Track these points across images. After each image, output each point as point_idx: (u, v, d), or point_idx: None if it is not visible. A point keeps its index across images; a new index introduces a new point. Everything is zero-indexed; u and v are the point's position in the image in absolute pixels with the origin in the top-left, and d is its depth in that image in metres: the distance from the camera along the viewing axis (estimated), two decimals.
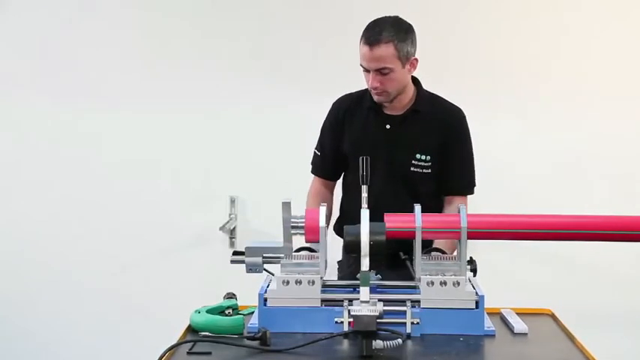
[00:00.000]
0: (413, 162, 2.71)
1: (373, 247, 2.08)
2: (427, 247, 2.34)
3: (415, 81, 2.77)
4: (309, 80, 3.75)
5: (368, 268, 2.05)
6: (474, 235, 2.19)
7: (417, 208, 2.20)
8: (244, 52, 3.81)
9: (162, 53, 3.83)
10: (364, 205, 2.13)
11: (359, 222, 2.10)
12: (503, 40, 3.77)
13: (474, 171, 2.83)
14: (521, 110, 3.78)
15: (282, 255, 2.24)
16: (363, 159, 2.19)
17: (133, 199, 3.87)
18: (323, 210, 2.20)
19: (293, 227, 2.21)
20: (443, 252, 2.35)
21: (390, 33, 2.59)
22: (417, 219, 2.18)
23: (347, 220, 2.54)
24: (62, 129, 3.87)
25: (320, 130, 2.89)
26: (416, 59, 2.68)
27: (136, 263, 3.89)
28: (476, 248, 2.31)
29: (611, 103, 3.75)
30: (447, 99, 2.82)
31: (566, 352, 2.09)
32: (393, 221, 2.20)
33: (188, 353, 2.00)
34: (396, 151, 2.72)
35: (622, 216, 2.23)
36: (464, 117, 2.79)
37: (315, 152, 2.90)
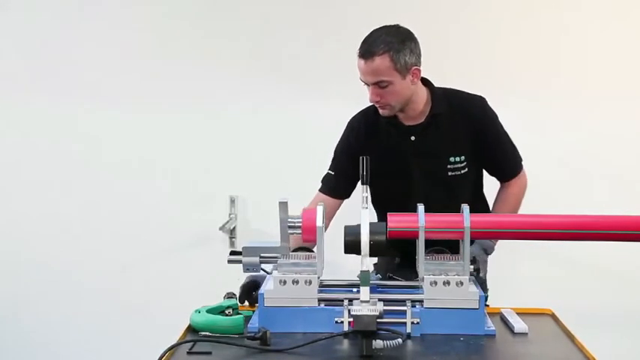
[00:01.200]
0: (449, 167, 2.62)
1: (373, 246, 2.08)
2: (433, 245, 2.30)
3: (426, 82, 2.67)
4: (309, 80, 3.75)
5: (368, 268, 2.05)
6: (476, 234, 2.18)
7: (420, 207, 2.20)
8: (244, 52, 3.81)
9: (162, 53, 3.83)
10: (364, 205, 2.13)
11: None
12: (503, 39, 3.77)
13: (515, 147, 2.76)
14: (521, 110, 3.77)
15: (279, 255, 2.24)
16: (363, 159, 2.19)
17: (132, 198, 3.86)
18: (320, 210, 2.19)
19: (290, 227, 2.21)
20: (444, 251, 2.34)
21: (384, 44, 2.48)
22: (420, 219, 2.18)
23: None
24: (62, 129, 3.87)
25: (334, 150, 2.76)
26: (418, 69, 2.56)
27: (136, 263, 3.89)
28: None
29: (611, 103, 3.74)
30: (461, 89, 2.72)
31: (567, 352, 2.08)
32: (396, 221, 2.21)
33: (188, 353, 2.00)
34: (428, 161, 2.62)
35: (622, 216, 2.23)
36: (485, 102, 2.69)
37: (328, 173, 2.75)
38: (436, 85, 2.73)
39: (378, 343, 1.94)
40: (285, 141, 3.78)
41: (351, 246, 2.13)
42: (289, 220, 2.21)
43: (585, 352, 2.05)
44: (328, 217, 2.68)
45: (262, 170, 3.80)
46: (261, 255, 2.27)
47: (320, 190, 2.77)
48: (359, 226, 2.09)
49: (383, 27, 2.56)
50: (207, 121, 3.85)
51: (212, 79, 3.82)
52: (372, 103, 2.62)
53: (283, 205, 2.20)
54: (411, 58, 2.52)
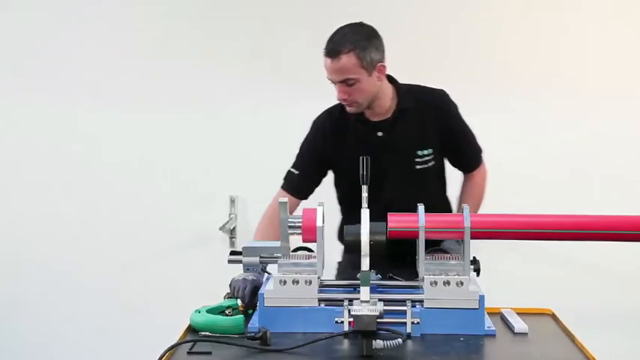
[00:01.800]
0: (416, 160, 2.67)
1: (373, 246, 2.08)
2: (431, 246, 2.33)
3: (391, 79, 2.70)
4: (309, 80, 3.72)
5: (368, 268, 2.05)
6: (477, 234, 2.18)
7: (421, 208, 2.20)
8: (244, 52, 3.81)
9: (162, 53, 3.83)
10: (364, 204, 2.13)
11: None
12: (503, 39, 3.77)
13: (476, 138, 2.81)
14: (521, 110, 3.78)
15: (279, 255, 2.24)
16: (363, 159, 2.19)
17: (132, 198, 3.87)
18: (320, 210, 2.19)
19: (290, 227, 2.21)
20: (445, 252, 2.35)
21: (350, 42, 2.51)
22: (421, 219, 2.18)
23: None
24: (62, 129, 3.88)
25: (299, 149, 2.79)
26: (384, 65, 2.59)
27: (136, 263, 3.89)
28: (476, 248, 2.30)
29: (611, 103, 3.75)
30: (423, 85, 2.76)
31: (567, 352, 2.08)
32: (396, 221, 2.21)
33: (188, 353, 2.00)
34: (396, 156, 2.66)
35: (622, 216, 2.23)
36: (448, 95, 2.74)
37: (292, 172, 2.78)
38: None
39: (378, 343, 1.94)
40: (285, 141, 3.76)
41: (352, 246, 2.13)
42: (289, 220, 2.21)
43: (585, 352, 2.05)
44: None
45: (262, 170, 3.78)
46: (261, 255, 2.27)
47: (282, 188, 2.79)
48: (359, 226, 2.09)
49: (347, 25, 2.59)
50: (207, 121, 3.85)
51: (212, 79, 3.82)
52: (338, 102, 2.65)
53: (283, 205, 2.21)
54: (377, 54, 2.56)
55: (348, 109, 2.63)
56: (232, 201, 3.88)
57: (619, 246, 2.29)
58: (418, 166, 2.67)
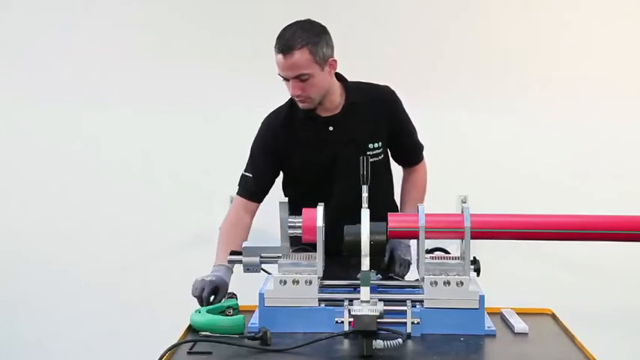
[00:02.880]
0: (368, 153, 2.66)
1: (373, 247, 2.08)
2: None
3: (338, 76, 2.72)
4: None
5: (368, 268, 2.05)
6: (477, 235, 2.19)
7: (421, 207, 2.20)
8: (244, 52, 3.81)
9: (162, 53, 3.83)
10: (364, 204, 2.13)
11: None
12: (502, 39, 3.77)
13: (417, 135, 2.84)
14: (521, 110, 3.78)
15: (279, 255, 2.24)
16: (363, 159, 2.19)
17: (132, 198, 3.86)
18: (320, 210, 2.20)
19: (290, 227, 2.21)
20: (446, 252, 2.35)
21: (301, 38, 2.54)
22: (421, 219, 2.18)
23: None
24: (62, 129, 3.87)
25: (250, 151, 2.79)
26: (334, 60, 2.62)
27: (136, 263, 3.89)
28: (476, 248, 2.30)
29: (611, 103, 3.75)
30: (368, 82, 2.78)
31: (567, 352, 2.09)
32: (396, 221, 2.21)
33: (188, 353, 2.01)
34: (348, 150, 2.65)
35: (622, 216, 2.23)
36: (394, 91, 2.77)
37: (245, 176, 2.78)
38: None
39: (378, 343, 1.94)
40: None
41: (351, 246, 2.13)
42: (289, 220, 2.21)
43: (585, 352, 2.05)
44: (246, 226, 2.77)
45: None
46: (261, 255, 2.27)
47: (238, 194, 2.79)
48: (359, 226, 2.09)
49: (296, 22, 2.63)
50: (207, 122, 3.85)
51: (212, 79, 3.82)
52: (290, 98, 2.69)
53: (283, 205, 2.21)
54: (328, 50, 2.60)
55: (301, 105, 2.64)
56: (232, 201, 3.86)
57: (619, 246, 2.30)
58: (370, 159, 2.67)
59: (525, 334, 2.19)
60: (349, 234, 2.15)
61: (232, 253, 2.33)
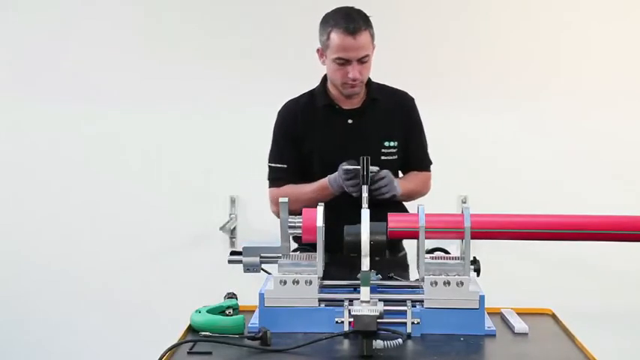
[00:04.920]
0: (382, 150, 2.66)
1: (373, 247, 2.08)
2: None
3: None
4: (310, 80, 3.74)
5: (368, 268, 2.05)
6: (477, 235, 2.19)
7: (421, 208, 2.20)
8: (245, 52, 3.81)
9: (162, 53, 3.83)
10: (364, 205, 2.13)
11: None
12: (502, 39, 3.77)
13: (427, 149, 2.83)
14: (521, 110, 3.78)
15: (279, 255, 2.24)
16: (363, 159, 2.19)
17: (133, 199, 3.87)
18: (320, 210, 2.19)
19: (290, 227, 2.21)
20: (446, 252, 2.35)
21: (362, 19, 2.57)
22: (421, 218, 2.18)
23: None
24: (62, 129, 3.87)
25: (273, 141, 2.77)
26: (375, 46, 2.64)
27: (136, 263, 3.89)
28: (476, 248, 2.31)
29: (611, 103, 3.75)
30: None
31: (567, 352, 2.08)
32: (396, 221, 2.21)
33: (188, 353, 2.00)
34: (364, 144, 2.65)
35: (622, 216, 2.23)
36: (413, 99, 2.78)
37: (278, 167, 2.75)
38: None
39: (378, 343, 1.94)
40: None
41: (351, 246, 2.13)
42: (289, 220, 2.21)
43: (585, 352, 2.05)
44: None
45: (262, 170, 3.78)
46: (262, 255, 2.27)
47: (272, 187, 2.78)
48: (359, 226, 2.09)
49: (345, 7, 2.63)
50: (207, 121, 3.85)
51: (212, 79, 3.83)
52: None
53: (283, 205, 2.21)
54: (374, 36, 2.61)
55: (350, 90, 2.63)
56: (232, 201, 3.88)
57: (619, 246, 2.30)
58: (383, 157, 2.67)
59: (525, 334, 2.19)
60: (349, 234, 2.15)
61: (232, 253, 2.33)
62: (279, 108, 3.77)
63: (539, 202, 3.61)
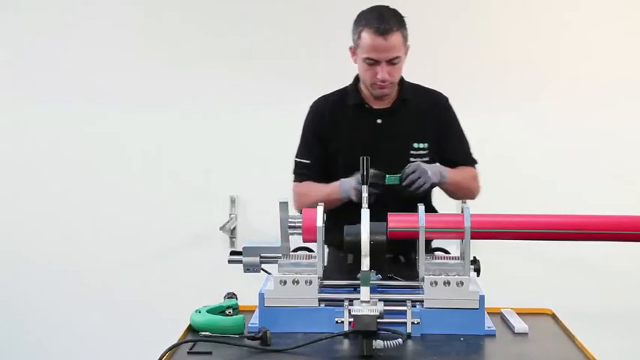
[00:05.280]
0: (411, 152, 2.64)
1: (373, 246, 2.08)
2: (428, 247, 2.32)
3: None
4: (310, 79, 3.75)
5: (368, 268, 2.05)
6: (477, 235, 2.19)
7: (421, 208, 2.20)
8: (245, 52, 3.81)
9: (162, 53, 3.83)
10: (364, 204, 2.13)
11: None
12: (502, 39, 3.78)
13: (470, 147, 2.78)
14: (521, 110, 3.78)
15: (279, 255, 2.24)
16: (363, 159, 2.19)
17: (133, 198, 3.87)
18: (320, 210, 2.19)
19: (290, 227, 2.21)
20: (446, 252, 2.35)
21: (395, 20, 2.54)
22: (421, 218, 2.18)
23: (340, 225, 2.32)
24: (62, 129, 3.87)
25: (302, 136, 2.75)
26: (409, 46, 2.63)
27: (136, 263, 3.89)
28: (476, 248, 2.31)
29: (611, 103, 3.75)
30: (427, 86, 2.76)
31: (567, 352, 2.08)
32: (396, 221, 2.21)
33: (188, 353, 2.00)
34: (392, 145, 2.63)
35: (622, 216, 2.23)
36: (448, 99, 2.75)
37: (303, 162, 2.73)
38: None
39: (378, 343, 1.94)
40: (285, 141, 3.76)
41: (351, 246, 2.13)
42: (289, 220, 2.21)
43: (585, 352, 2.05)
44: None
45: (262, 170, 3.80)
46: (262, 255, 2.27)
47: (296, 181, 2.74)
48: (359, 226, 2.09)
49: (379, 6, 2.61)
50: (207, 121, 3.85)
51: (212, 79, 3.83)
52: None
53: (283, 205, 2.21)
54: (408, 37, 2.59)
55: (379, 91, 2.60)
56: (232, 201, 3.88)
57: (619, 246, 2.30)
58: (412, 159, 2.63)
59: (525, 334, 2.19)
60: (349, 234, 2.15)
61: (232, 253, 2.33)
62: (279, 108, 3.81)
63: (539, 202, 3.61)
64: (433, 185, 2.52)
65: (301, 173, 2.74)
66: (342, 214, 2.19)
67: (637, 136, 3.77)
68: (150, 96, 3.84)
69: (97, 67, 3.83)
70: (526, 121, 3.79)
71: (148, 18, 3.85)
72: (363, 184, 2.17)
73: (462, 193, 2.68)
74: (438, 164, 2.60)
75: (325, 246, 2.28)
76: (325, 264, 2.75)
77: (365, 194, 2.15)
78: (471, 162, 2.77)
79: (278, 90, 3.81)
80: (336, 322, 2.10)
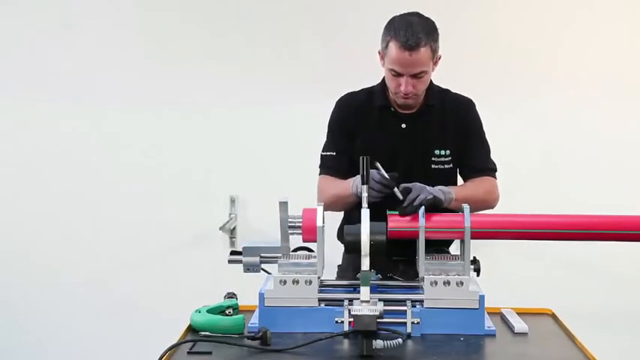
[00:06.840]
0: (433, 159, 2.61)
1: (374, 247, 2.08)
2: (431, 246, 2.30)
3: None
4: (310, 79, 3.75)
5: (368, 268, 2.05)
6: (477, 234, 2.19)
7: (421, 208, 2.20)
8: (245, 52, 3.81)
9: (162, 53, 3.83)
10: (364, 204, 2.13)
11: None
12: (503, 39, 3.77)
13: (491, 156, 2.73)
14: (521, 110, 3.78)
15: (279, 255, 2.24)
16: (363, 159, 2.19)
17: (133, 198, 3.86)
18: (320, 209, 2.20)
19: (290, 227, 2.21)
20: (445, 252, 2.35)
21: (425, 35, 2.46)
22: (421, 219, 2.18)
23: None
24: (62, 129, 3.87)
25: (328, 131, 2.70)
26: (440, 56, 2.56)
27: (137, 263, 3.89)
28: (476, 248, 2.31)
29: (611, 103, 3.75)
30: (456, 92, 2.72)
31: (567, 352, 2.09)
32: (396, 221, 2.21)
33: (188, 353, 2.01)
34: (414, 150, 2.61)
35: (622, 216, 2.23)
36: (475, 106, 2.70)
37: (327, 155, 2.66)
38: (437, 84, 2.74)
39: (378, 343, 1.94)
40: (285, 141, 3.78)
41: (352, 246, 2.13)
42: (289, 220, 2.21)
43: (585, 352, 2.05)
44: None
45: (262, 170, 3.80)
46: (262, 255, 2.27)
47: (323, 174, 2.69)
48: (359, 226, 2.09)
49: (412, 14, 2.54)
50: (207, 121, 3.85)
51: (212, 79, 3.83)
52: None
53: (283, 205, 2.21)
54: (438, 47, 2.54)
55: (406, 101, 2.55)
56: (232, 201, 3.88)
57: (619, 246, 2.30)
58: (434, 166, 2.61)
59: (525, 334, 2.19)
60: (349, 234, 2.16)
61: (232, 253, 2.33)
62: (279, 108, 3.81)
63: (539, 202, 3.59)
64: (438, 200, 2.40)
65: (327, 166, 2.68)
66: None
67: (637, 136, 3.77)
68: (150, 96, 3.83)
69: (97, 67, 3.83)
70: (526, 121, 3.79)
71: (147, 18, 3.84)
72: (363, 184, 2.17)
73: (475, 207, 2.44)
74: (438, 187, 2.48)
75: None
76: (340, 263, 2.78)
77: (365, 194, 2.15)
78: (489, 171, 2.71)
79: (278, 90, 3.81)
80: (336, 322, 2.10)
